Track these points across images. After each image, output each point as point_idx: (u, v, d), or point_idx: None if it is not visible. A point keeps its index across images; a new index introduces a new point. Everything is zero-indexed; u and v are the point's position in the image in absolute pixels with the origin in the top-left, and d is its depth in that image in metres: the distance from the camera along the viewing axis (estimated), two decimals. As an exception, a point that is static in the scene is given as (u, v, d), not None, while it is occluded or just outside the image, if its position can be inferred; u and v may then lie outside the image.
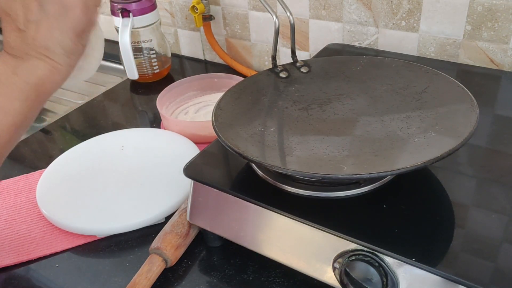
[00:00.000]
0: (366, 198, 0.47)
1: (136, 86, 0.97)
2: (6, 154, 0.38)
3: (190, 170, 0.53)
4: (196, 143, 0.74)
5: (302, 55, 0.89)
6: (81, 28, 0.42)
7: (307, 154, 0.49)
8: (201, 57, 1.05)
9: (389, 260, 0.41)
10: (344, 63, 0.63)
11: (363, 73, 0.61)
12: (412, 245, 0.41)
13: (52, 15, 0.40)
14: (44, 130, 0.85)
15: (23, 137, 0.80)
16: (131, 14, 0.86)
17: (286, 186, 0.49)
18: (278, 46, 0.75)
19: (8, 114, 0.39)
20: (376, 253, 0.42)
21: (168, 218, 0.61)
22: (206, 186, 0.52)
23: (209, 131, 0.74)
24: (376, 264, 0.41)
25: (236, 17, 0.94)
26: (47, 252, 0.59)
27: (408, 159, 0.45)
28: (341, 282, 0.44)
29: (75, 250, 0.59)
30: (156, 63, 0.95)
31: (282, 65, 0.63)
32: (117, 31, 0.86)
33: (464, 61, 0.74)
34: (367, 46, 0.82)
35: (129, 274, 0.54)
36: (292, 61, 0.64)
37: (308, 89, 0.61)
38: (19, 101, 0.39)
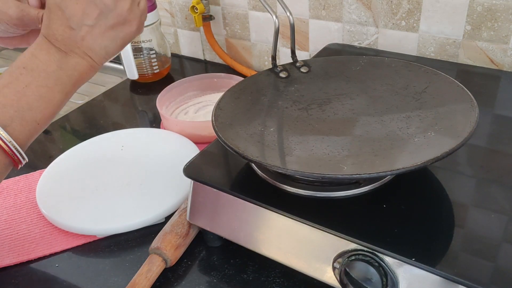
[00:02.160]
0: (366, 198, 0.47)
1: (136, 86, 0.97)
2: (38, 134, 0.42)
3: (190, 170, 0.53)
4: (196, 143, 0.74)
5: (302, 55, 0.89)
6: (130, 39, 0.46)
7: (307, 154, 0.49)
8: (201, 57, 1.05)
9: (389, 260, 0.41)
10: (344, 63, 0.63)
11: (363, 73, 0.61)
12: (412, 245, 0.41)
13: (110, 25, 0.43)
14: (44, 130, 0.85)
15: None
16: (131, 14, 0.86)
17: (286, 186, 0.49)
18: (278, 46, 0.75)
19: (50, 105, 0.41)
20: (376, 253, 0.42)
21: (168, 218, 0.61)
22: (206, 186, 0.52)
23: (209, 131, 0.74)
24: (376, 264, 0.41)
25: (236, 17, 0.94)
26: (47, 252, 0.59)
27: (408, 159, 0.45)
28: (341, 282, 0.44)
29: (75, 250, 0.59)
30: (156, 63, 0.95)
31: (282, 65, 0.63)
32: (117, 31, 0.86)
33: (464, 61, 0.74)
34: (367, 46, 0.82)
35: (129, 274, 0.54)
36: (292, 61, 0.64)
37: (308, 89, 0.61)
38: (60, 94, 0.42)
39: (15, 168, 0.43)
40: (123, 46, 0.45)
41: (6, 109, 0.39)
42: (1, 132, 0.38)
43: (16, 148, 0.39)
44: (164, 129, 0.80)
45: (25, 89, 0.40)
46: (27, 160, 0.42)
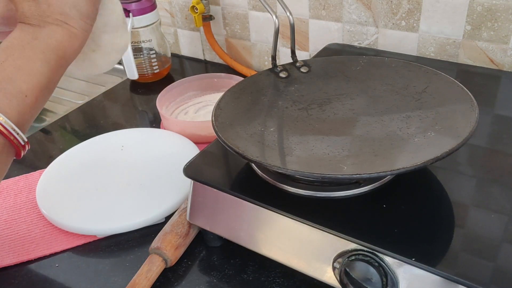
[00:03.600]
0: (366, 198, 0.47)
1: (136, 86, 0.97)
2: (34, 116, 0.39)
3: (190, 170, 0.53)
4: (196, 143, 0.74)
5: (302, 55, 0.89)
6: None
7: (307, 154, 0.49)
8: (201, 57, 1.05)
9: (389, 260, 0.41)
10: (344, 63, 0.63)
11: (363, 73, 0.61)
12: (412, 245, 0.41)
13: None
14: (44, 130, 0.85)
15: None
16: (131, 14, 0.86)
17: (286, 186, 0.49)
18: (278, 46, 0.75)
19: (32, 76, 0.39)
20: (376, 253, 0.42)
21: (168, 218, 0.61)
22: (206, 186, 0.52)
23: (209, 131, 0.74)
24: (376, 264, 0.41)
25: (236, 17, 0.94)
26: (47, 252, 0.59)
27: (408, 159, 0.45)
28: (341, 282, 0.44)
29: (75, 250, 0.59)
30: (156, 63, 0.95)
31: (282, 65, 0.63)
32: (117, 31, 0.86)
33: (464, 61, 0.74)
34: (367, 46, 0.82)
35: (129, 274, 0.54)
36: (292, 61, 0.64)
37: (308, 89, 0.61)
38: (41, 62, 0.40)
39: (17, 155, 0.40)
40: (92, 1, 0.43)
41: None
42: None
43: (9, 125, 0.37)
44: (164, 129, 0.80)
45: (1, 65, 0.38)
46: (28, 146, 0.39)
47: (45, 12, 0.41)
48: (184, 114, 0.82)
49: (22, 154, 0.40)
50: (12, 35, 0.41)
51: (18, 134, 0.38)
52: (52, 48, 0.41)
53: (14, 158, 0.41)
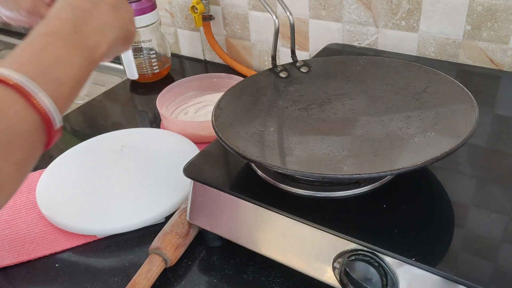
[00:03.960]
0: (366, 198, 0.47)
1: (136, 86, 0.97)
2: (63, 110, 0.37)
3: (190, 170, 0.53)
4: (196, 143, 0.74)
5: (302, 55, 0.89)
6: (127, 30, 0.47)
7: (307, 154, 0.49)
8: (201, 57, 1.05)
9: (389, 260, 0.41)
10: (344, 63, 0.63)
11: (363, 73, 0.61)
12: (412, 245, 0.41)
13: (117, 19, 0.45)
14: (44, 130, 0.85)
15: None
16: (131, 14, 0.86)
17: (286, 186, 0.49)
18: (278, 46, 0.75)
19: (70, 67, 0.38)
20: (376, 253, 0.42)
21: (168, 218, 0.61)
22: (206, 186, 0.52)
23: (209, 131, 0.74)
24: (376, 264, 0.41)
25: (236, 17, 0.94)
26: (47, 252, 0.59)
27: (408, 159, 0.45)
28: (341, 282, 0.44)
29: (75, 250, 0.59)
30: (156, 63, 0.95)
31: (282, 65, 0.63)
32: (117, 31, 0.86)
33: (463, 61, 0.74)
34: (367, 46, 0.82)
35: (129, 274, 0.54)
36: (292, 61, 0.64)
37: (308, 89, 0.61)
38: (78, 57, 0.39)
39: (49, 141, 0.36)
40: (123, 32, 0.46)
41: (25, 66, 0.35)
42: (28, 84, 0.33)
43: (50, 103, 0.34)
44: (164, 129, 0.80)
45: (44, 50, 0.37)
46: (62, 124, 0.36)
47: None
48: (184, 114, 0.82)
49: (53, 142, 0.37)
50: (53, 21, 0.40)
51: (55, 112, 0.35)
52: (88, 47, 0.41)
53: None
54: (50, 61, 0.37)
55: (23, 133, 0.33)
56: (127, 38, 0.47)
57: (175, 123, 0.77)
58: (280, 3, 0.63)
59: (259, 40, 0.94)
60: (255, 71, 0.94)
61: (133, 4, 0.87)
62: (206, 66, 1.03)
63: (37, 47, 0.37)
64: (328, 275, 0.45)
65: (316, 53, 0.79)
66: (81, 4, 0.43)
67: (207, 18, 0.94)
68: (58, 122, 0.35)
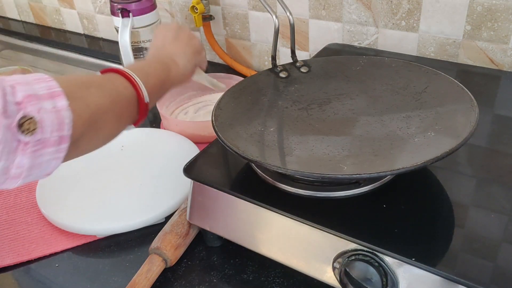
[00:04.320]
0: (366, 198, 0.47)
1: (136, 86, 0.97)
2: (151, 97, 0.51)
3: (190, 170, 0.53)
4: (196, 143, 0.74)
5: (302, 55, 0.89)
6: (199, 62, 0.66)
7: (307, 154, 0.49)
8: (201, 57, 1.05)
9: (389, 260, 0.41)
10: (344, 63, 0.63)
11: (363, 73, 0.61)
12: (412, 245, 0.41)
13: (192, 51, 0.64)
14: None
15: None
16: (131, 14, 0.86)
17: (286, 186, 0.49)
18: (278, 46, 0.75)
19: (155, 77, 0.54)
20: (376, 253, 0.42)
21: (168, 218, 0.61)
22: (206, 186, 0.52)
23: (209, 131, 0.74)
24: (376, 264, 0.41)
25: (236, 17, 0.94)
26: (47, 252, 0.59)
27: (408, 159, 0.45)
28: (341, 282, 0.44)
29: (75, 250, 0.59)
30: (156, 63, 0.95)
31: (282, 65, 0.63)
32: (117, 31, 0.86)
33: (463, 61, 0.74)
34: (367, 46, 0.82)
35: (129, 274, 0.54)
36: (292, 61, 0.64)
37: (308, 89, 0.61)
38: (160, 72, 0.55)
39: (141, 108, 0.50)
40: (192, 64, 0.64)
41: (133, 66, 0.52)
42: (131, 73, 0.50)
43: (141, 84, 0.50)
44: (164, 129, 0.80)
45: (147, 65, 0.56)
46: (148, 101, 0.51)
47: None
48: (184, 114, 0.82)
49: (143, 115, 0.51)
50: (152, 51, 0.63)
51: (145, 92, 0.50)
52: (166, 65, 0.57)
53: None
54: (147, 71, 0.53)
55: (123, 95, 0.48)
56: (198, 62, 0.65)
57: (175, 123, 0.77)
58: (280, 3, 0.63)
59: (259, 40, 0.94)
60: (255, 71, 0.94)
61: (133, 4, 0.87)
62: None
63: (141, 61, 0.59)
64: (328, 275, 0.45)
65: (316, 53, 0.79)
66: (166, 44, 0.62)
67: (207, 18, 0.94)
68: (146, 98, 0.50)
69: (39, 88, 0.37)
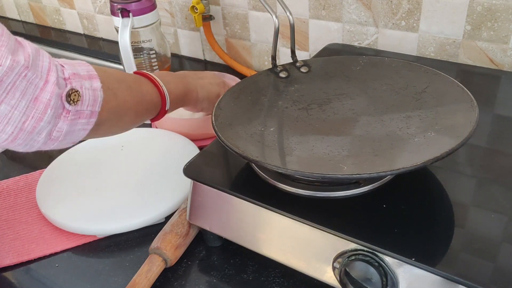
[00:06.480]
0: (366, 198, 0.47)
1: (136, 86, 0.97)
2: (171, 105, 0.60)
3: (190, 170, 0.53)
4: (194, 140, 0.74)
5: (302, 55, 0.89)
6: (218, 94, 0.69)
7: (307, 154, 0.49)
8: (201, 57, 1.05)
9: (389, 260, 0.41)
10: (344, 63, 0.63)
11: (363, 73, 0.61)
12: (412, 245, 0.41)
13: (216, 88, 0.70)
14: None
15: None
16: (131, 14, 0.86)
17: (286, 186, 0.49)
18: (278, 46, 0.75)
19: (176, 88, 0.61)
20: (376, 253, 0.42)
21: (168, 218, 0.61)
22: (206, 186, 0.52)
23: (208, 129, 0.74)
24: (376, 264, 0.41)
25: (236, 17, 0.94)
26: (47, 252, 0.59)
27: (408, 159, 0.45)
28: (341, 282, 0.44)
29: (75, 250, 0.59)
30: (156, 63, 0.95)
31: (282, 65, 0.63)
32: (117, 31, 0.86)
33: (463, 61, 0.74)
34: (366, 46, 0.82)
35: (129, 274, 0.54)
36: (292, 61, 0.64)
37: (308, 89, 0.61)
38: (181, 89, 0.63)
39: (161, 110, 0.59)
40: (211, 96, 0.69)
41: (161, 76, 0.60)
42: (159, 80, 0.58)
43: (165, 90, 0.58)
44: (164, 128, 0.80)
45: (169, 77, 0.62)
46: (168, 108, 0.60)
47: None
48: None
49: (160, 116, 0.60)
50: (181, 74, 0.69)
51: (168, 98, 0.59)
52: (188, 88, 0.65)
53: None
54: (169, 80, 0.61)
55: (149, 99, 0.56)
56: (217, 95, 0.68)
57: (175, 122, 0.77)
58: (280, 3, 0.63)
59: (259, 40, 0.94)
60: (255, 71, 0.94)
61: (133, 4, 0.87)
62: (206, 66, 1.03)
63: (168, 76, 0.63)
64: (328, 275, 0.45)
65: (316, 53, 0.79)
66: (199, 75, 0.70)
67: (207, 18, 0.94)
68: (168, 105, 0.59)
69: (80, 70, 0.45)
